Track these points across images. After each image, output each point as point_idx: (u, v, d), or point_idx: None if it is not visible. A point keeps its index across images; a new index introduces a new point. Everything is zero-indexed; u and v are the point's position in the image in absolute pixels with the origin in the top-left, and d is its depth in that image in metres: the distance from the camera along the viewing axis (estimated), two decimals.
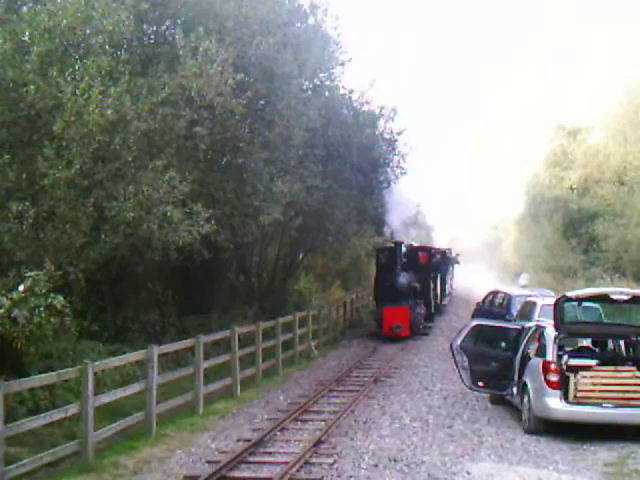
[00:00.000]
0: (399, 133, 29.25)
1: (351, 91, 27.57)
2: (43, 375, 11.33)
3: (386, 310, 27.80)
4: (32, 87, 14.53)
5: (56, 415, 10.89)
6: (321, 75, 24.79)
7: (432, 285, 33.40)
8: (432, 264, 33.96)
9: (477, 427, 13.71)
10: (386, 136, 29.12)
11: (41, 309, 12.68)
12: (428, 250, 35.27)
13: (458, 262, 55.58)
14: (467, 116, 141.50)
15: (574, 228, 44.76)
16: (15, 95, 15.08)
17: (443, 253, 41.36)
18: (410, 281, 29.25)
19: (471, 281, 52.63)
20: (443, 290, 39.76)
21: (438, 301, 36.30)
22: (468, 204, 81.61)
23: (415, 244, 35.96)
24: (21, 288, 12.77)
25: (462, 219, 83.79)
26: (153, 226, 15.05)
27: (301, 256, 30.75)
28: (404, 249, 30.94)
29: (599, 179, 44.71)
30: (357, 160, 26.85)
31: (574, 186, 47.65)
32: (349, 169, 26.64)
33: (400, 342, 26.82)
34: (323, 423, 13.88)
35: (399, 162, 29.75)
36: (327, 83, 25.40)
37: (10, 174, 14.74)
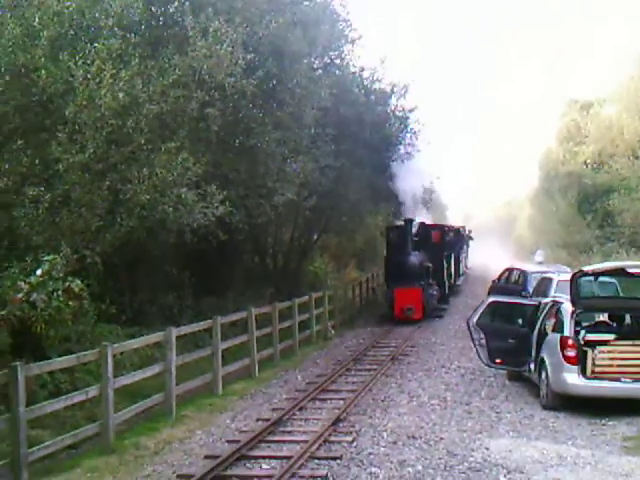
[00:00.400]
0: (411, 110, 29.11)
1: (362, 69, 27.44)
2: (63, 358, 11.41)
3: (397, 292, 26.79)
4: (43, 72, 14.51)
5: (77, 397, 10.97)
6: (331, 53, 24.65)
7: (445, 265, 32.21)
8: (445, 242, 32.65)
9: (495, 404, 13.73)
10: (398, 114, 28.98)
11: (59, 293, 12.78)
12: (441, 228, 33.91)
13: (472, 238, 54.15)
14: (478, 94, 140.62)
15: (589, 203, 44.44)
16: (27, 80, 15.08)
17: (457, 231, 40.22)
18: (422, 261, 28.11)
19: (486, 258, 52.42)
20: (457, 269, 38.46)
21: (452, 281, 35.14)
22: (481, 181, 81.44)
23: (427, 222, 33.97)
24: (39, 272, 12.87)
25: (476, 197, 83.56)
26: (168, 208, 15.06)
27: (315, 237, 30.75)
28: (415, 227, 29.81)
29: (613, 153, 44.31)
30: (369, 138, 26.74)
31: (588, 161, 47.24)
32: (361, 148, 26.53)
33: (416, 322, 26.41)
34: (342, 402, 13.93)
35: (411, 139, 29.61)
36: (337, 62, 25.27)
37: (24, 159, 14.79)
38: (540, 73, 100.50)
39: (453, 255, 35.66)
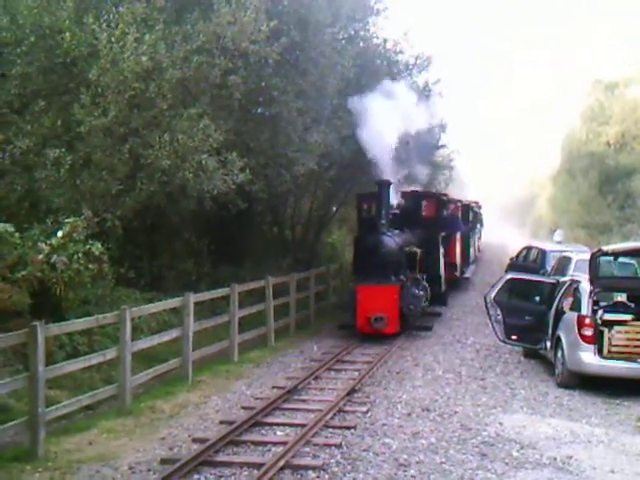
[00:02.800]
0: (434, 83, 28.86)
1: (385, 41, 27.15)
2: (82, 319, 11.47)
3: (360, 291, 17.72)
4: (68, 34, 14.50)
5: (95, 359, 11.07)
6: (355, 24, 24.40)
7: (443, 250, 22.64)
8: (443, 219, 23.69)
9: (510, 380, 13.74)
10: (420, 86, 28.73)
11: (79, 255, 12.85)
12: (437, 199, 24.03)
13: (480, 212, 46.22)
14: (500, 72, 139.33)
15: (610, 184, 44.00)
16: (51, 42, 15.08)
17: (465, 207, 32.86)
18: (402, 244, 19.07)
19: (504, 238, 52.19)
20: (465, 256, 29.90)
21: (456, 273, 26.33)
22: (502, 160, 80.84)
23: (419, 190, 25.62)
24: (60, 234, 12.93)
25: (496, 175, 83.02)
26: (188, 174, 15.05)
27: (335, 209, 30.67)
28: (396, 196, 21.84)
29: (637, 134, 43.80)
30: None
31: (611, 141, 46.71)
32: None
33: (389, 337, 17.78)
34: (357, 373, 13.98)
35: (434, 112, 29.33)
36: (361, 33, 25.03)
37: (46, 121, 14.82)
38: (565, 52, 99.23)
39: (457, 237, 26.63)
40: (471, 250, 33.42)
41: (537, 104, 73.30)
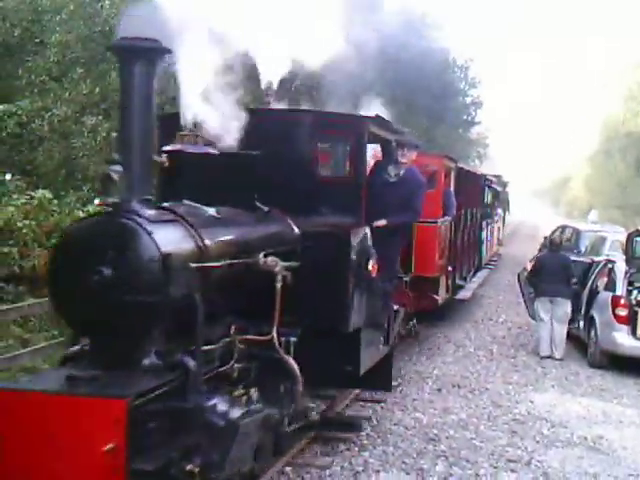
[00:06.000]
0: (472, 60, 28.60)
1: (423, 14, 26.93)
2: None
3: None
4: (107, 2, 14.54)
5: None
6: None
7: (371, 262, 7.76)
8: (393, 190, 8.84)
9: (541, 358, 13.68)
10: (458, 62, 28.51)
11: None
12: (353, 122, 8.12)
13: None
14: (538, 53, 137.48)
15: None
16: (90, 10, 15.15)
17: (475, 178, 20.54)
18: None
19: (537, 219, 51.79)
20: (474, 260, 19.52)
21: (437, 296, 13.51)
22: (539, 139, 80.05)
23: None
24: (96, 202, 13.01)
25: (532, 155, 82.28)
26: None
27: None
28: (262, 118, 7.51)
29: None
30: (427, 86, 26.34)
31: None
32: (419, 95, 26.16)
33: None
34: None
35: (469, 90, 29.14)
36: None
37: (84, 88, 14.90)
38: (605, 33, 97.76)
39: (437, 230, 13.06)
40: (485, 246, 22.61)
41: (575, 85, 72.32)
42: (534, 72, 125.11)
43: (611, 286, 13.36)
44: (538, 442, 9.01)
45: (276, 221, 7.07)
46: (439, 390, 11.14)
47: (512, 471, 7.96)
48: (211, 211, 6.09)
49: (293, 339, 6.64)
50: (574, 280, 14.08)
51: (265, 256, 6.23)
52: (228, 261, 5.76)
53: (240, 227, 6.50)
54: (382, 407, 10.13)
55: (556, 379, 12.23)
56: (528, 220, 52.38)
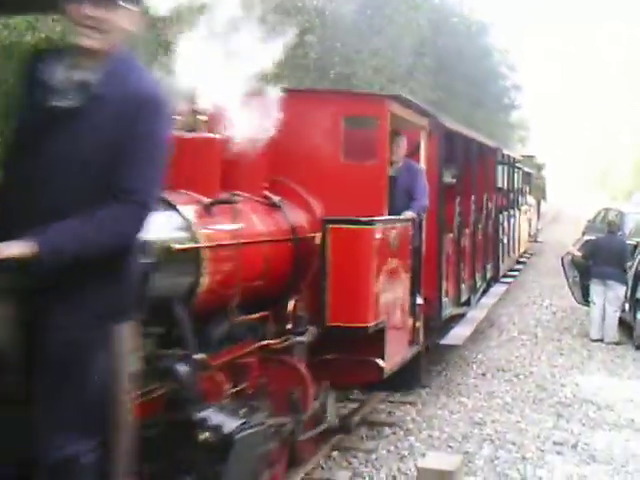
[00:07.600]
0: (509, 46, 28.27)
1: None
2: None
3: None
4: None
5: None
6: None
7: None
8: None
9: (586, 342, 13.54)
10: (498, 47, 28.24)
11: None
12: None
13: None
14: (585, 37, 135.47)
15: None
16: None
17: (491, 153, 14.69)
18: None
19: (581, 203, 51.10)
20: (483, 272, 13.74)
21: (382, 362, 6.75)
22: (582, 124, 78.96)
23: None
24: None
25: (576, 140, 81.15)
26: None
27: None
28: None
29: None
30: (468, 72, 26.13)
31: None
32: (459, 81, 25.97)
33: None
34: None
35: (510, 75, 28.85)
36: None
37: None
38: None
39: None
40: (505, 249, 17.17)
41: (622, 66, 71.16)
42: (581, 56, 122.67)
43: None
44: (584, 425, 8.95)
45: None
46: (483, 374, 11.12)
47: (558, 453, 7.91)
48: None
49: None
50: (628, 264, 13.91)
51: None
52: None
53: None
54: (427, 392, 10.14)
55: (602, 362, 12.13)
56: (570, 205, 51.74)
